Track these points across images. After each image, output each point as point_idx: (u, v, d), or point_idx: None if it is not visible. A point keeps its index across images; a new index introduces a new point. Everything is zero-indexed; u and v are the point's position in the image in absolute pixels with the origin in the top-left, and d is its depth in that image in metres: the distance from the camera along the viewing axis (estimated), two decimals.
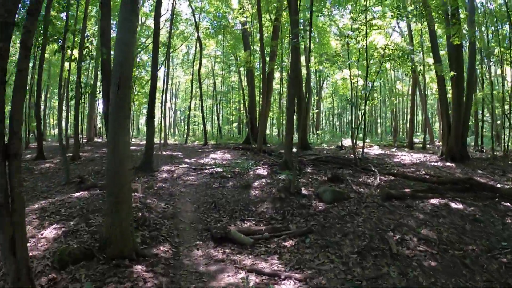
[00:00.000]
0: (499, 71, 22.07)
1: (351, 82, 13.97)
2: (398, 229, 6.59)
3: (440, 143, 26.53)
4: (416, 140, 25.63)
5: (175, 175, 11.12)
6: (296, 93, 12.17)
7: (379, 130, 35.78)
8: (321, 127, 38.73)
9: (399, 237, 6.14)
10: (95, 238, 5.23)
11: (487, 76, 22.20)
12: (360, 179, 10.49)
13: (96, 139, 27.18)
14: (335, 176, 10.09)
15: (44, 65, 27.79)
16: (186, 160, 14.60)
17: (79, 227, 5.63)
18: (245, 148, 18.29)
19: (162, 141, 21.14)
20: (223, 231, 6.13)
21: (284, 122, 29.06)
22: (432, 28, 16.27)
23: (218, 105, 32.16)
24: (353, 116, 14.74)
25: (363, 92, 13.93)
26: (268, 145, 20.58)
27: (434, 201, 8.06)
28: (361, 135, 16.03)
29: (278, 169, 11.33)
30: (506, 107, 21.34)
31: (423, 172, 11.99)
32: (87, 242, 5.15)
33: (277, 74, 26.04)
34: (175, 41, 25.55)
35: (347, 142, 23.27)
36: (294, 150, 13.23)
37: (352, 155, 16.39)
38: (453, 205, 7.82)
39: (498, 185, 9.70)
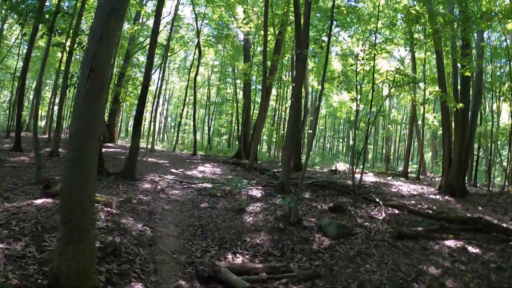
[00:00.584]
0: (495, 106, 21.61)
1: (357, 104, 12.93)
2: (421, 278, 5.50)
3: (431, 174, 25.95)
4: (409, 170, 24.85)
5: (158, 187, 9.73)
6: (298, 108, 11.01)
7: (369, 156, 34.86)
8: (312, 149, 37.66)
9: None
10: (44, 272, 3.85)
11: (484, 112, 21.67)
12: (363, 210, 9.40)
13: None
14: (338, 206, 8.93)
15: (38, 54, 26.33)
16: (173, 170, 13.23)
17: (27, 252, 4.23)
18: (235, 163, 17.02)
19: (150, 146, 19.71)
20: (212, 269, 4.81)
21: (275, 140, 27.98)
22: (440, 58, 15.57)
23: (211, 115, 30.91)
24: (356, 140, 13.64)
25: (369, 116, 12.89)
26: (259, 162, 19.32)
27: (448, 242, 7.12)
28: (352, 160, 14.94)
29: (273, 191, 10.07)
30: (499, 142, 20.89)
31: (425, 206, 11.01)
32: (32, 276, 3.77)
33: (273, 91, 24.99)
34: (174, 44, 24.35)
35: (340, 166, 22.21)
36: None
37: (349, 181, 15.35)
38: (470, 248, 6.89)
39: (504, 225, 8.87)
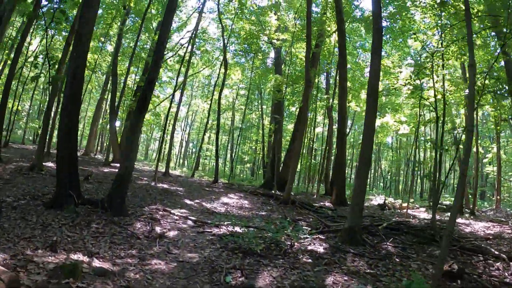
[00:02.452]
0: None
1: (437, 120, 8.77)
2: None
3: (476, 207, 20.91)
4: (446, 203, 19.86)
5: (157, 229, 5.64)
6: (373, 122, 6.79)
7: (400, 187, 29.58)
8: None
9: None
10: None
11: None
12: (480, 271, 5.17)
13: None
14: (458, 271, 4.61)
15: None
16: (187, 201, 9.15)
17: None
18: (265, 194, 12.82)
19: (163, 170, 15.84)
20: None
21: (303, 165, 23.64)
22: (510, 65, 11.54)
23: (235, 141, 27.09)
24: (439, 168, 9.31)
25: (458, 134, 8.71)
26: (292, 193, 15.03)
27: None
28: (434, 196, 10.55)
29: (339, 242, 5.85)
30: None
31: None
32: None
33: None
34: (198, 61, 20.99)
35: (381, 199, 17.73)
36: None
37: (410, 219, 10.96)
38: None
39: None
